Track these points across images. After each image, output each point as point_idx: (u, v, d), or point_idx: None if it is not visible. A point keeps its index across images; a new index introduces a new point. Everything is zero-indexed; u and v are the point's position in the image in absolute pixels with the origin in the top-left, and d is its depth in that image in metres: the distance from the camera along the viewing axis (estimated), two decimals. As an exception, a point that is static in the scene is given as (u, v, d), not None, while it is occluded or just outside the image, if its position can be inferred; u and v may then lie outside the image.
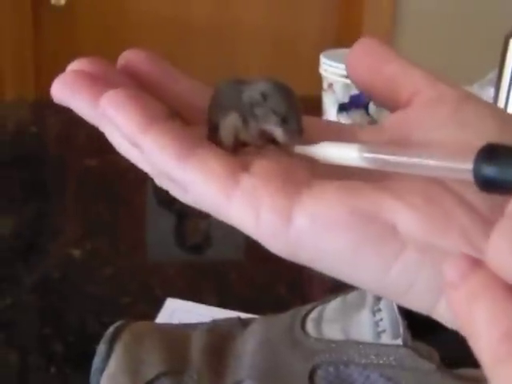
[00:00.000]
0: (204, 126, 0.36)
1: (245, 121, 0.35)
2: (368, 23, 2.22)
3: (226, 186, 0.31)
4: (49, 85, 0.36)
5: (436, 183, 0.31)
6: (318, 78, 1.01)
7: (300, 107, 0.35)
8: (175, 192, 0.35)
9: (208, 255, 0.84)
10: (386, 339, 0.47)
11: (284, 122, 0.35)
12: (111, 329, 0.53)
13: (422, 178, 0.32)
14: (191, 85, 0.39)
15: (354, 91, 0.93)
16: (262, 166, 0.33)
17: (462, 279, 0.25)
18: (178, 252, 0.83)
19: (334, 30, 2.35)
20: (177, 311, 0.67)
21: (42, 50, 2.06)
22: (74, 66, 0.37)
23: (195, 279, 0.76)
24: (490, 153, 0.29)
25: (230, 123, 0.36)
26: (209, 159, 0.32)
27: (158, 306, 0.68)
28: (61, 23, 2.13)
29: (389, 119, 0.37)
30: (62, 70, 0.37)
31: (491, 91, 0.98)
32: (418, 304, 0.31)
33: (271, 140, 0.36)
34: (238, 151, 0.35)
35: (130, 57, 0.38)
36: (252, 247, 0.77)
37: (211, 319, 0.55)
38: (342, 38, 2.27)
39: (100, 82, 0.35)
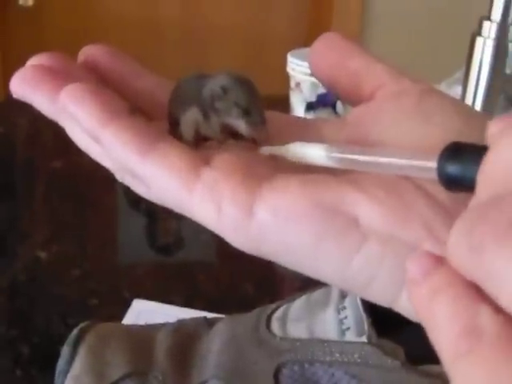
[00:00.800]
0: (166, 122, 0.36)
1: (206, 115, 0.35)
2: (337, 25, 2.22)
3: (187, 179, 0.31)
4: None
5: (400, 176, 0.32)
6: (287, 78, 1.01)
7: (261, 99, 0.35)
8: (137, 188, 0.35)
9: (177, 256, 0.84)
10: (350, 337, 0.46)
11: (246, 114, 0.35)
12: (75, 330, 0.52)
13: None
14: (154, 80, 0.39)
15: (322, 90, 0.93)
16: (223, 159, 0.33)
17: (423, 276, 0.25)
18: (146, 253, 0.83)
19: (304, 31, 2.36)
20: (143, 312, 0.66)
21: (9, 51, 2.04)
22: (34, 60, 0.37)
23: (164, 280, 0.75)
24: (453, 151, 0.29)
25: (190, 118, 0.35)
26: (170, 153, 0.32)
27: (125, 307, 0.67)
28: (29, 24, 2.12)
29: (351, 113, 0.37)
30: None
31: (458, 90, 0.98)
32: (380, 297, 0.31)
33: (232, 134, 0.36)
34: (200, 146, 0.35)
35: (90, 52, 0.38)
36: (220, 247, 0.77)
37: (177, 319, 0.55)
38: (312, 39, 2.27)
39: (60, 77, 0.35)
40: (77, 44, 0.40)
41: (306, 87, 0.95)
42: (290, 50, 1.02)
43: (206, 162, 0.32)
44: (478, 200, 0.25)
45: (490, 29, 0.88)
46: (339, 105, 0.94)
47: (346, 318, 0.47)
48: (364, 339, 0.46)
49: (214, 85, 0.35)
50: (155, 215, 0.89)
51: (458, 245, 0.23)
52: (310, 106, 0.96)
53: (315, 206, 0.30)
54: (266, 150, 0.34)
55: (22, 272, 0.74)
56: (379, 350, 0.45)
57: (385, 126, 0.34)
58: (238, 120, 0.35)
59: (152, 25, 2.22)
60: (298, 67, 0.95)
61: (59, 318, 0.66)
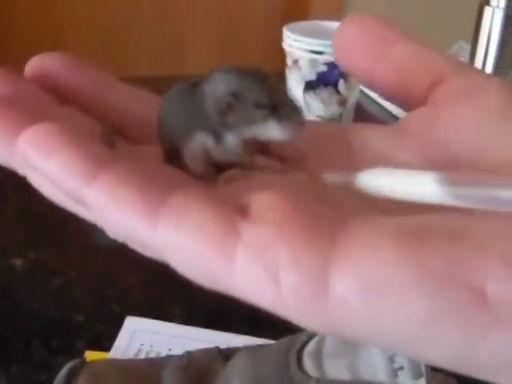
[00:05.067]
0: (155, 146, 0.28)
1: (217, 137, 0.26)
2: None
3: (222, 245, 0.21)
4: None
5: None
6: (278, 54, 0.92)
7: (284, 87, 0.26)
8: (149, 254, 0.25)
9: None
10: (405, 379, 0.38)
11: (275, 111, 0.26)
12: (64, 371, 0.44)
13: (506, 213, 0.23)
14: (131, 93, 0.31)
15: (322, 67, 0.85)
16: (264, 202, 0.22)
17: None
18: (139, 260, 0.74)
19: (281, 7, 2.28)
20: (138, 332, 0.58)
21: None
22: None
23: (160, 291, 0.67)
24: None
25: (197, 147, 0.26)
26: (191, 214, 0.22)
27: (116, 323, 0.59)
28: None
29: (407, 118, 0.29)
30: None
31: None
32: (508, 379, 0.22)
33: (260, 152, 0.27)
34: (213, 177, 0.26)
35: (40, 64, 0.29)
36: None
37: (185, 351, 0.47)
38: (289, 15, 2.20)
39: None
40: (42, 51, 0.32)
41: (304, 64, 0.86)
42: (268, 25, 0.93)
43: (242, 211, 0.22)
44: None
45: (499, -2, 0.87)
46: (342, 83, 0.86)
47: (396, 354, 0.39)
48: (423, 382, 0.38)
49: (218, 94, 0.26)
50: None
51: None
52: (309, 85, 0.87)
53: (424, 274, 0.21)
54: (329, 178, 0.25)
55: (-6, 283, 0.66)
56: (443, 397, 0.37)
57: (464, 137, 0.26)
58: (266, 123, 0.26)
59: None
60: (295, 43, 0.86)
61: (38, 340, 0.58)
